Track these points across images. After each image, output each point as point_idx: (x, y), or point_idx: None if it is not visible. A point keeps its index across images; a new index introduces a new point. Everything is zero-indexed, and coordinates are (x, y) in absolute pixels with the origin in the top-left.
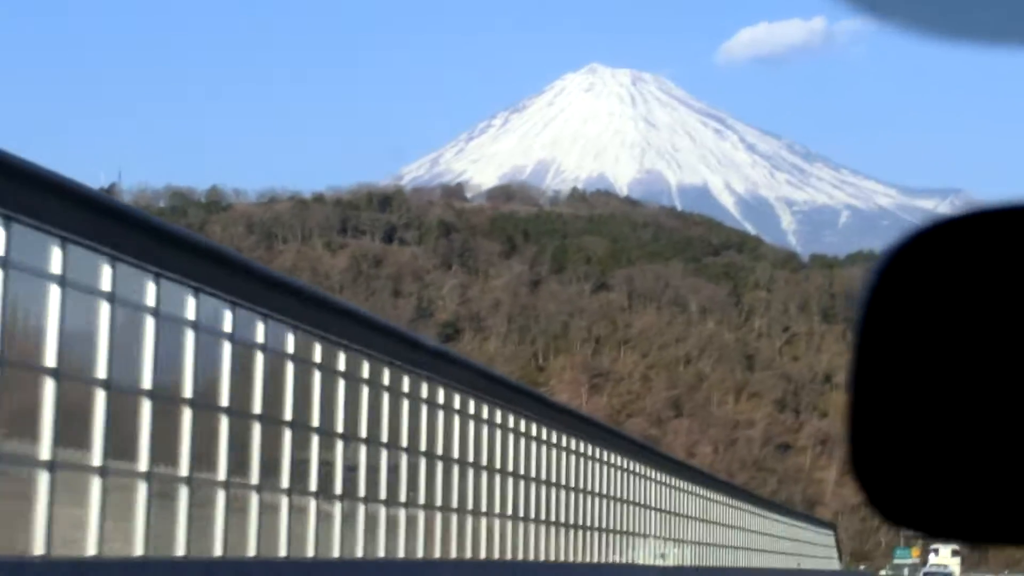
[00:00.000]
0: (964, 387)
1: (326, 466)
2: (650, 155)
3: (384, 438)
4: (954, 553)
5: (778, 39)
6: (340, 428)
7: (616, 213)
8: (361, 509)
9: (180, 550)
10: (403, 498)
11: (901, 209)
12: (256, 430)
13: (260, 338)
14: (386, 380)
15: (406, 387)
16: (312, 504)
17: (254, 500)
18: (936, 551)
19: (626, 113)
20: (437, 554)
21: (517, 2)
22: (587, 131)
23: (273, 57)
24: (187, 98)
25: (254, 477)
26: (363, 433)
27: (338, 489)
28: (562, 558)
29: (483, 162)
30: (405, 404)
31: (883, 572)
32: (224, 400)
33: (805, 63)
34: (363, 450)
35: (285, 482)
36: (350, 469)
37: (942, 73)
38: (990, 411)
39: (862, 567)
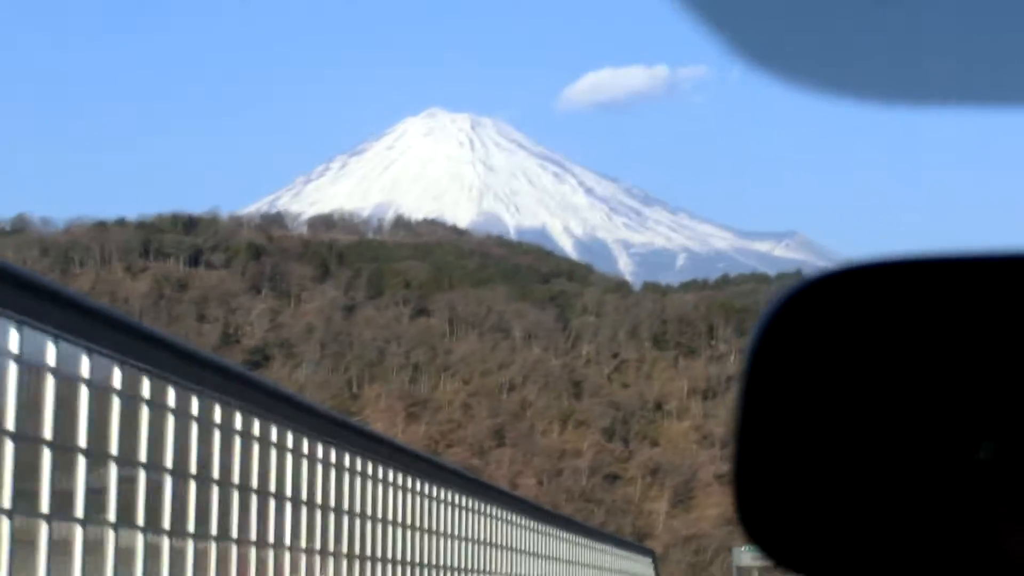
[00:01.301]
0: (847, 435)
1: (126, 494)
2: (488, 198)
3: (192, 469)
4: None
5: (620, 85)
6: (143, 457)
7: (443, 242)
8: (166, 542)
9: None
10: (214, 531)
11: (737, 252)
12: (46, 457)
13: (52, 361)
14: (194, 409)
15: (217, 417)
16: (111, 535)
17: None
18: None
19: (465, 157)
20: None
21: (357, 46)
22: (426, 174)
23: (116, 92)
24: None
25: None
26: (168, 463)
27: (140, 520)
28: None
29: (320, 204)
30: (216, 433)
31: None
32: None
33: (646, 109)
34: (168, 480)
35: (80, 512)
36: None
37: (779, 120)
38: (873, 457)
39: None
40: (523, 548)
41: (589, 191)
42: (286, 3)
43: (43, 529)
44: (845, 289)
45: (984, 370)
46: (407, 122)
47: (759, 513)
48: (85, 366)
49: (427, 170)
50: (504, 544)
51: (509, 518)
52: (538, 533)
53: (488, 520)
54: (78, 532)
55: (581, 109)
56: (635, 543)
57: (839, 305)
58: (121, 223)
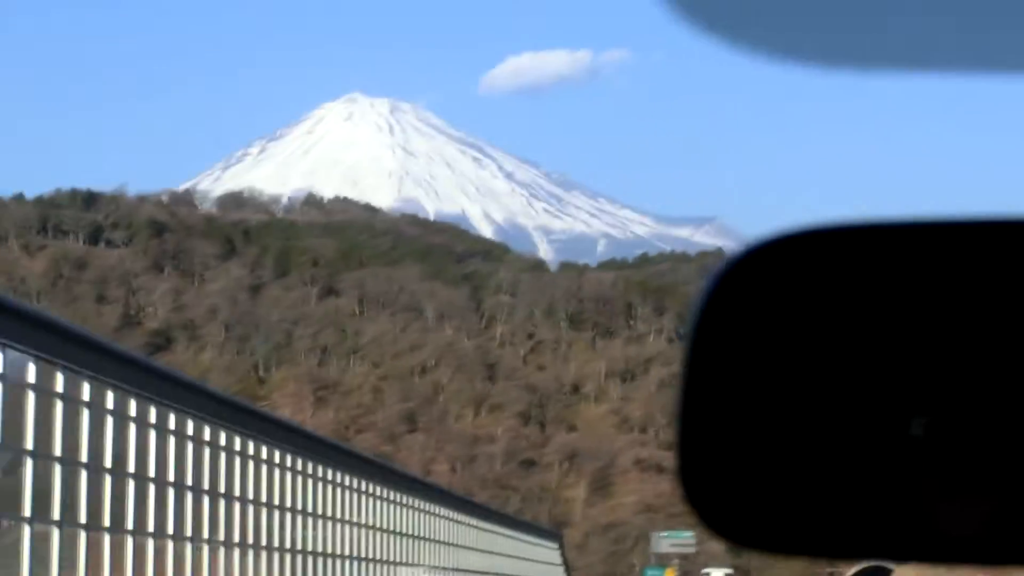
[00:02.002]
0: (786, 406)
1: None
2: (408, 183)
3: (83, 458)
4: None
5: (542, 69)
6: (30, 446)
7: (355, 220)
8: (55, 533)
9: None
10: (106, 523)
11: (657, 237)
12: None
13: None
14: (85, 395)
15: (109, 403)
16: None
17: None
18: (708, 574)
19: (384, 142)
20: None
21: (275, 30)
22: (345, 159)
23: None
24: None
25: None
26: (57, 452)
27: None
28: None
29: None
30: (108, 421)
31: None
32: None
33: (568, 93)
34: (57, 470)
35: None
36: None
37: (699, 105)
38: (819, 425)
39: None
40: (432, 536)
41: (509, 176)
42: None
43: None
44: (784, 256)
45: (919, 343)
46: (326, 107)
47: (701, 486)
48: None
49: (346, 155)
50: (414, 532)
51: (420, 505)
52: (447, 520)
53: (398, 508)
54: None
55: (502, 94)
56: (540, 526)
57: (779, 272)
58: (19, 199)
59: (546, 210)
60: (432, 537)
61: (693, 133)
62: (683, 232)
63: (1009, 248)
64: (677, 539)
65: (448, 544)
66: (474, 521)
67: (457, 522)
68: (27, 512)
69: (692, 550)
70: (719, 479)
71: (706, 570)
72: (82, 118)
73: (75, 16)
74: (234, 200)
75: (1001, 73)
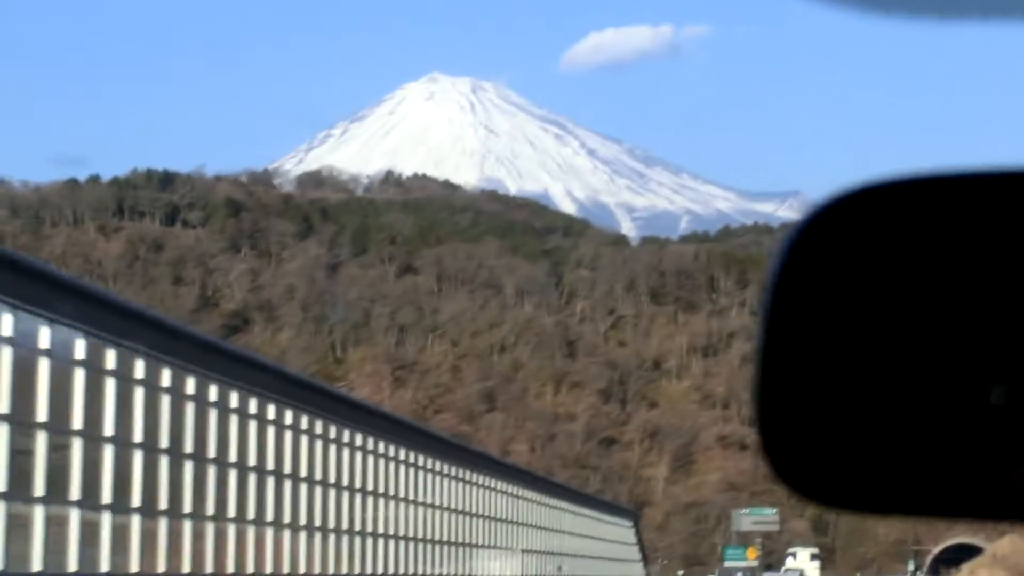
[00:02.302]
0: (872, 361)
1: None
2: (490, 162)
3: (163, 444)
4: (813, 557)
5: (624, 45)
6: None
7: (435, 197)
8: (135, 520)
9: None
10: (187, 508)
11: (740, 213)
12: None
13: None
14: (165, 381)
15: (190, 388)
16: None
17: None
18: (794, 555)
19: (466, 121)
20: (230, 569)
21: (353, 11)
22: (427, 139)
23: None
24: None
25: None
26: (137, 438)
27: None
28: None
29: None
30: (166, 403)
31: None
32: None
33: (649, 69)
34: (138, 457)
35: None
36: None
37: (781, 80)
38: (898, 386)
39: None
40: (509, 517)
41: (592, 153)
42: None
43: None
44: (857, 213)
45: (1006, 308)
46: (407, 87)
47: (782, 445)
48: (45, 337)
49: (428, 135)
50: (493, 514)
51: (498, 486)
52: (525, 500)
53: (477, 489)
54: (39, 511)
55: (584, 71)
56: (614, 504)
57: (852, 230)
58: (95, 180)
59: (628, 187)
60: (509, 518)
61: (775, 108)
62: (767, 207)
63: None
64: (759, 516)
65: (522, 524)
66: (544, 499)
67: (534, 502)
68: (107, 499)
69: (775, 527)
70: (801, 442)
71: (792, 549)
72: (163, 99)
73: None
74: (312, 179)
75: None
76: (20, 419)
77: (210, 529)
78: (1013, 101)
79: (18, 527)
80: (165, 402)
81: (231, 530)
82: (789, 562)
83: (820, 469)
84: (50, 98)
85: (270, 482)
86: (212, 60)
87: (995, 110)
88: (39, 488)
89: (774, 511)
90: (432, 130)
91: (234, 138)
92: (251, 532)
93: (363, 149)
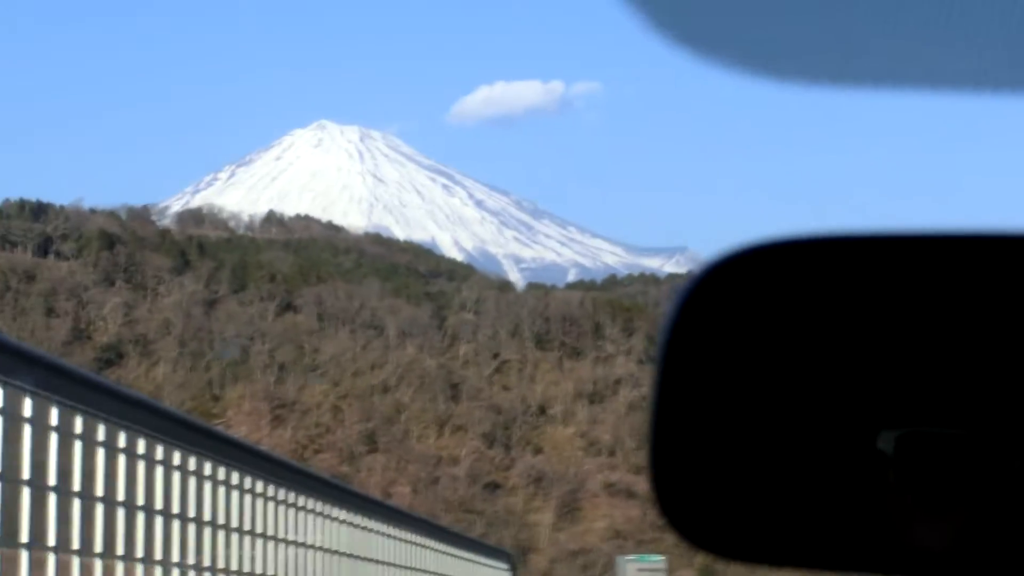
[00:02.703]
0: (761, 412)
1: None
2: (378, 210)
3: (25, 476)
4: None
5: (514, 99)
6: None
7: (317, 238)
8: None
9: None
10: (51, 542)
11: (628, 267)
12: None
13: None
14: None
15: (53, 420)
16: None
17: None
18: None
19: (354, 169)
20: None
21: (244, 55)
22: (315, 185)
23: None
24: None
25: None
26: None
27: None
28: None
29: None
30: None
31: None
32: None
33: (539, 123)
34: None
35: None
36: None
37: (669, 137)
38: (788, 436)
39: None
40: (388, 559)
41: (479, 204)
42: (167, 4)
43: None
44: (748, 270)
45: (890, 357)
46: (295, 133)
47: (674, 494)
48: None
49: (316, 181)
50: (375, 556)
51: (378, 528)
52: (408, 543)
53: (359, 532)
54: None
55: (473, 123)
56: (489, 545)
57: (743, 285)
58: None
59: (516, 238)
60: (390, 561)
61: (663, 164)
62: (654, 262)
63: (972, 261)
64: (646, 563)
65: (400, 567)
66: (423, 540)
67: (413, 543)
68: None
69: (663, 575)
70: (693, 491)
71: None
72: (43, 134)
73: (45, 31)
74: (192, 217)
75: (974, 90)
76: None
77: (75, 563)
78: (897, 165)
79: None
80: (26, 433)
81: (98, 565)
82: None
83: (712, 518)
84: None
85: (140, 518)
86: (99, 97)
87: (880, 174)
88: None
89: (661, 558)
90: (320, 177)
91: (116, 178)
92: (120, 567)
93: (249, 193)
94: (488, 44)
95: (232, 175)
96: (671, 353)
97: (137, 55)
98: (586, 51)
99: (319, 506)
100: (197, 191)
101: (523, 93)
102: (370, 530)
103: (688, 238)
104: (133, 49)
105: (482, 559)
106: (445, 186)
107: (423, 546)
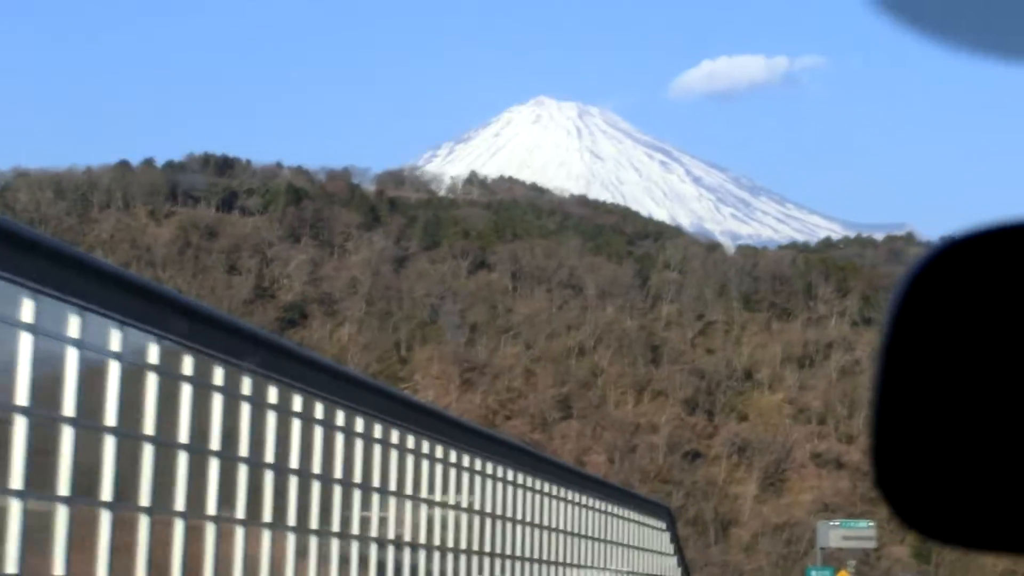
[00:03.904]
0: (993, 397)
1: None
2: (595, 187)
3: (215, 444)
4: None
5: (737, 74)
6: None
7: (520, 199)
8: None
9: None
10: (240, 514)
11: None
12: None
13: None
14: (218, 379)
15: (246, 388)
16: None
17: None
18: None
19: (572, 145)
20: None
21: (463, 35)
22: (532, 162)
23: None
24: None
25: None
26: (183, 439)
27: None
28: None
29: None
30: (218, 401)
31: None
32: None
33: (760, 99)
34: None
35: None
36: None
37: (893, 114)
38: (1013, 427)
39: None
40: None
41: (697, 180)
42: None
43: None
44: (1000, 247)
45: None
46: (514, 110)
47: (898, 480)
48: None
49: (533, 158)
50: (568, 528)
51: (573, 498)
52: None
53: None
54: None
55: (693, 98)
56: (643, 496)
57: (993, 262)
58: (148, 164)
59: (733, 215)
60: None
61: (886, 141)
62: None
63: None
64: (852, 530)
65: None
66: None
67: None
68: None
69: (871, 544)
70: (917, 476)
71: None
72: (293, 99)
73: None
74: (392, 178)
75: None
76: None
77: (238, 532)
78: None
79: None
80: (217, 401)
81: (265, 536)
82: None
83: (931, 501)
84: (182, 96)
85: (316, 487)
86: (323, 71)
87: None
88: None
89: (870, 524)
90: (537, 153)
91: (331, 155)
92: (291, 538)
93: (467, 170)
94: (713, 18)
95: (451, 152)
96: (898, 334)
97: (360, 30)
98: (812, 26)
99: (512, 475)
100: (416, 168)
101: (747, 68)
102: (568, 500)
103: (910, 217)
104: (355, 24)
105: (637, 516)
106: (663, 162)
107: (579, 504)
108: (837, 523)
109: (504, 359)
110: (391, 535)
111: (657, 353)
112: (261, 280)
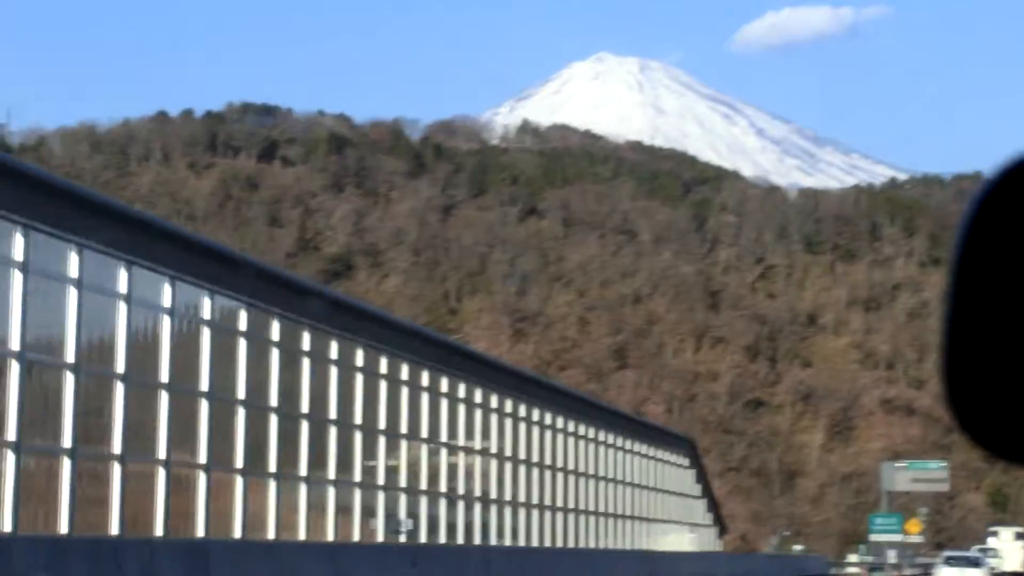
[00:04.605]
0: None
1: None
2: (658, 141)
3: (243, 395)
4: (1019, 536)
5: (801, 25)
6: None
7: (574, 147)
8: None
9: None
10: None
11: None
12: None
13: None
14: (276, 334)
15: (275, 334)
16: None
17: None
18: (996, 533)
19: (634, 100)
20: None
21: None
22: (594, 119)
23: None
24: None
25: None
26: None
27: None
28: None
29: None
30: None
31: (853, 558)
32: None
33: (825, 50)
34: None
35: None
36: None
37: (961, 61)
38: None
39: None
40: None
41: (760, 133)
42: None
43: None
44: None
45: None
46: (574, 66)
47: (971, 402)
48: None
49: (595, 115)
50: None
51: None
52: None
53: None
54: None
55: (757, 50)
56: (665, 429)
57: None
58: (187, 114)
59: (798, 167)
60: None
61: (954, 89)
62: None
63: None
64: (922, 471)
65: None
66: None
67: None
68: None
69: (944, 486)
70: (989, 398)
71: (994, 527)
72: (356, 48)
73: None
74: (443, 128)
75: None
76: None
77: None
78: None
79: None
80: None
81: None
82: (992, 542)
83: (1008, 424)
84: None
85: (381, 441)
86: (383, 25)
87: None
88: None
89: (943, 464)
90: (599, 110)
91: (402, 113)
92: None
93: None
94: None
95: (511, 109)
96: (967, 257)
97: None
98: None
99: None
100: (468, 118)
101: (811, 18)
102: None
103: (981, 164)
104: None
105: (658, 452)
106: (726, 115)
107: (594, 440)
108: (905, 464)
109: (556, 308)
110: (451, 488)
111: (716, 299)
112: (304, 232)
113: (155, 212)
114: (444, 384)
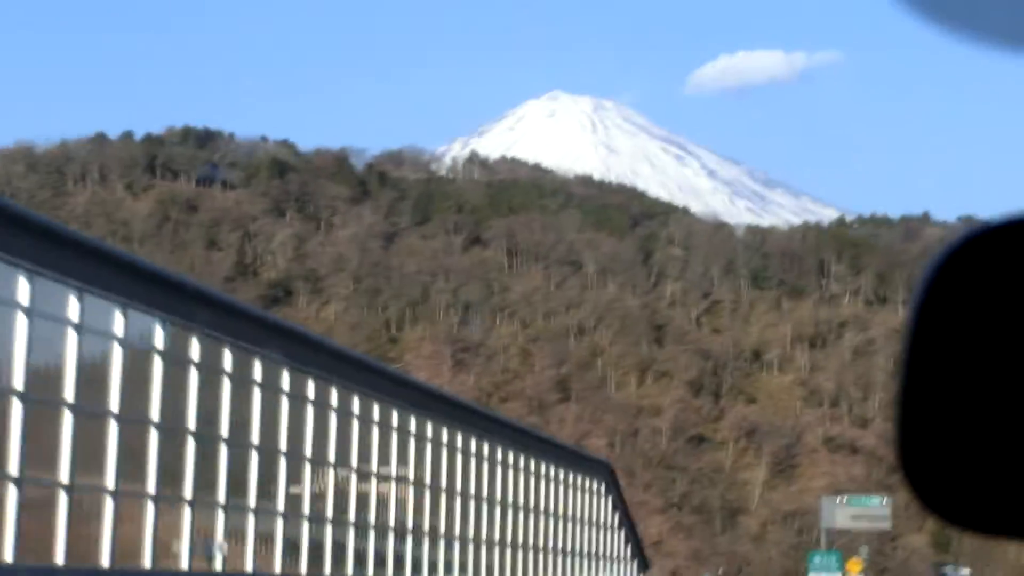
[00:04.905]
0: (1018, 386)
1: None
2: (609, 180)
3: (191, 426)
4: None
5: (754, 69)
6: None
7: (521, 179)
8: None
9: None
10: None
11: None
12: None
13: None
14: (195, 355)
15: (227, 363)
16: None
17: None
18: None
19: (586, 139)
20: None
21: (476, 29)
22: (547, 157)
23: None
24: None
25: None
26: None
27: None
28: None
29: None
30: (226, 383)
31: None
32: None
33: (777, 94)
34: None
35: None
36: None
37: (911, 109)
38: None
39: None
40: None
41: (712, 174)
42: None
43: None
44: (1016, 239)
45: None
46: (529, 104)
47: (922, 466)
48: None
49: (548, 153)
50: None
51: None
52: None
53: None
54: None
55: (710, 93)
56: (584, 454)
57: (1010, 256)
58: (127, 136)
59: (748, 208)
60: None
61: (903, 136)
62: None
63: None
64: (863, 508)
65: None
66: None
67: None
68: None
69: (886, 525)
70: (944, 466)
71: (946, 567)
72: (295, 104)
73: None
74: (391, 159)
75: None
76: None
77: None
78: None
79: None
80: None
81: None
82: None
83: (961, 492)
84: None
85: (307, 468)
86: (337, 62)
87: None
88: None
89: (884, 500)
90: (552, 148)
91: (351, 137)
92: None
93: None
94: (730, 12)
95: (464, 146)
96: (924, 320)
97: (373, 24)
98: (829, 20)
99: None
100: (416, 148)
101: (764, 62)
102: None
103: (928, 208)
104: (367, 18)
105: (572, 472)
106: (678, 156)
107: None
108: (845, 499)
109: (499, 339)
110: (399, 524)
111: (661, 333)
112: (243, 256)
113: (90, 233)
114: (375, 412)
